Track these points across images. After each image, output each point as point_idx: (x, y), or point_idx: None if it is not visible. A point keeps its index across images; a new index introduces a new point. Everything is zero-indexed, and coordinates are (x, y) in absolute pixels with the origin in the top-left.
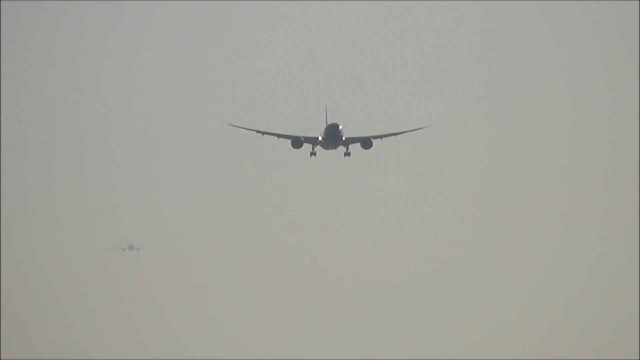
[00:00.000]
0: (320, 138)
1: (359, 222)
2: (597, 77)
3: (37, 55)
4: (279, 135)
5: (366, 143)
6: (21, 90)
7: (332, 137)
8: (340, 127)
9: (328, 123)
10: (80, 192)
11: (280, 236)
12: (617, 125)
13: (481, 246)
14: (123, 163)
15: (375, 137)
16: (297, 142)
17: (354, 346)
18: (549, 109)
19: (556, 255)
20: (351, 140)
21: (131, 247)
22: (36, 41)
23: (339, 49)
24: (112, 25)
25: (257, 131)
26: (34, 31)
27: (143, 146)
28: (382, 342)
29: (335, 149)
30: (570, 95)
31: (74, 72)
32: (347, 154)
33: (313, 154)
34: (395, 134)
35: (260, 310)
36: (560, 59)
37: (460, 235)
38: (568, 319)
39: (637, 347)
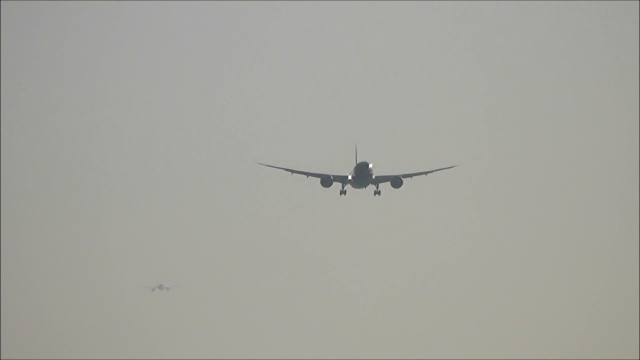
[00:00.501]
0: (350, 177)
1: (388, 262)
2: (597, 77)
3: (37, 55)
4: (308, 174)
5: (396, 182)
6: (21, 90)
7: (362, 175)
8: (370, 165)
9: (358, 162)
10: (110, 230)
11: (309, 276)
12: (617, 125)
13: (506, 283)
14: (155, 199)
15: (405, 176)
16: (326, 181)
17: None
18: (549, 109)
19: (557, 255)
20: (381, 179)
21: (161, 287)
22: (36, 41)
23: (371, 85)
24: (112, 25)
25: (287, 170)
26: (34, 31)
27: (175, 182)
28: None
29: (365, 187)
30: (570, 95)
31: (74, 72)
32: (377, 192)
33: (343, 192)
34: (426, 173)
35: (289, 353)
36: (560, 59)
37: (489, 273)
38: (568, 319)
39: (637, 347)
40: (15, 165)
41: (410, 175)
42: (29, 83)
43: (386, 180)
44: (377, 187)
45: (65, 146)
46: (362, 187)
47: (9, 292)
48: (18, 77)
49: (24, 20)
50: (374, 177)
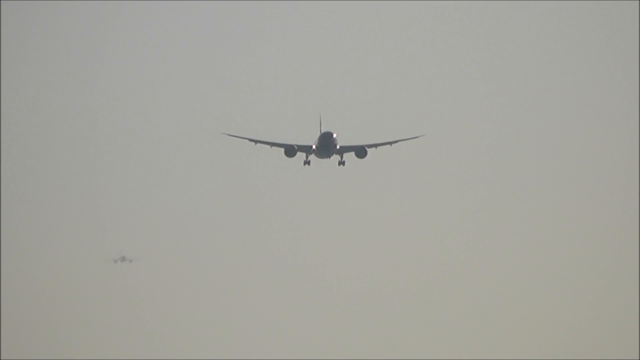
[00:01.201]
0: (314, 146)
1: (352, 233)
2: (597, 77)
3: (37, 55)
4: (272, 144)
5: (361, 152)
6: (21, 90)
7: (326, 145)
8: (335, 135)
9: (322, 131)
10: (75, 200)
11: (273, 247)
12: (617, 125)
13: (478, 252)
14: (117, 170)
15: (370, 146)
16: (290, 151)
17: (351, 348)
18: (548, 109)
19: (556, 256)
20: (346, 149)
21: (123, 259)
22: (36, 41)
23: (334, 55)
24: (112, 25)
25: (251, 140)
26: (34, 31)
27: (137, 154)
28: (378, 345)
29: (330, 157)
30: (570, 95)
31: (74, 72)
32: (341, 163)
33: (307, 162)
34: (391, 143)
35: (254, 321)
36: (560, 59)
37: (457, 244)
38: (568, 319)
39: (637, 347)
40: (16, 165)
41: (375, 146)
42: (29, 83)
43: (351, 151)
44: (342, 157)
45: (65, 146)
46: (327, 157)
47: (9, 292)
48: (18, 77)
49: (24, 20)
50: (338, 147)
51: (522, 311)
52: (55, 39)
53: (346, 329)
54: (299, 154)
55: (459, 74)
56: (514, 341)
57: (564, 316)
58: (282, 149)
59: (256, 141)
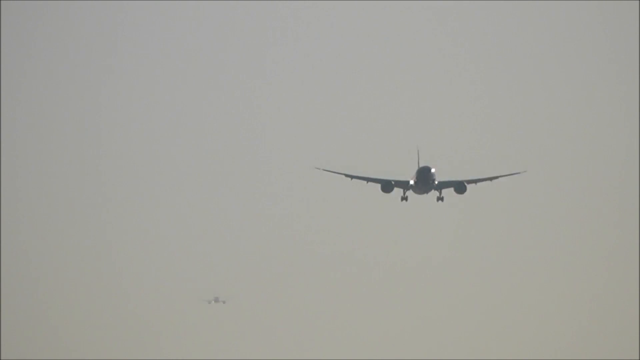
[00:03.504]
0: (411, 182)
1: (451, 271)
2: (597, 77)
3: (37, 55)
4: (368, 179)
5: (460, 187)
6: (21, 90)
7: (424, 180)
8: (433, 170)
9: (420, 166)
10: (162, 241)
11: (371, 285)
12: (617, 125)
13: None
14: (206, 209)
15: (469, 182)
16: (387, 186)
17: None
18: (548, 109)
19: (557, 256)
20: (444, 185)
21: (217, 300)
22: (36, 41)
23: (435, 90)
24: (112, 25)
25: (346, 175)
26: (34, 31)
27: (227, 192)
28: None
29: (428, 193)
30: (570, 96)
31: (74, 72)
32: (439, 198)
33: (404, 198)
34: (491, 179)
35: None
36: (560, 59)
37: (553, 284)
38: (568, 319)
39: (637, 347)
40: (16, 165)
41: (475, 181)
42: (29, 83)
43: (449, 186)
44: (440, 193)
45: (65, 146)
46: (424, 192)
47: (9, 292)
48: (18, 77)
49: (24, 20)
50: (436, 182)
51: (523, 311)
52: (55, 39)
53: None
54: (396, 189)
55: (524, 66)
56: (515, 341)
57: (564, 316)
58: (379, 185)
59: (352, 176)
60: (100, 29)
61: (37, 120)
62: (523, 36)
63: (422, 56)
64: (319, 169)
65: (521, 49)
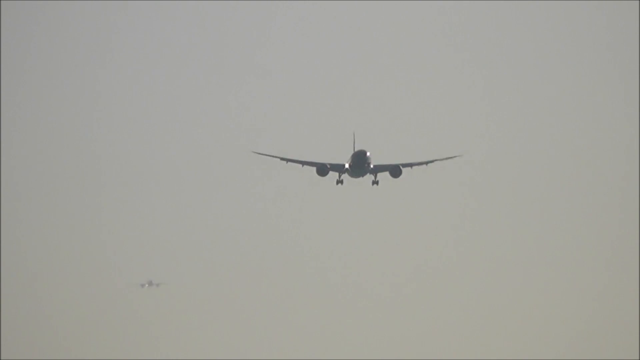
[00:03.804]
0: (347, 165)
1: (385, 256)
2: (597, 77)
3: (37, 55)
4: (303, 163)
5: (395, 171)
6: (21, 90)
7: (360, 164)
8: (368, 154)
9: (355, 150)
10: (97, 226)
11: (304, 270)
12: (617, 125)
13: (509, 279)
14: (139, 191)
15: (405, 165)
16: (322, 170)
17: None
18: (548, 108)
19: (556, 257)
20: (379, 168)
21: (150, 283)
22: (36, 41)
23: (369, 74)
24: (112, 25)
25: (282, 158)
26: (34, 31)
27: (161, 174)
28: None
29: (363, 177)
30: (570, 96)
31: (74, 72)
32: (375, 182)
33: (339, 182)
34: (427, 163)
35: (279, 347)
36: (560, 59)
37: (486, 273)
38: (568, 320)
39: (637, 347)
40: (16, 165)
41: (410, 165)
42: (29, 83)
43: (385, 170)
44: (375, 177)
45: (65, 146)
46: (360, 176)
47: (9, 292)
48: (18, 77)
49: (24, 20)
50: (371, 166)
51: (523, 311)
52: (55, 39)
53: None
54: (331, 173)
55: (498, 91)
56: (515, 341)
57: (564, 316)
58: (314, 168)
59: (287, 160)
60: (100, 29)
61: (37, 120)
62: (523, 36)
63: (362, 41)
64: (256, 152)
65: (521, 48)
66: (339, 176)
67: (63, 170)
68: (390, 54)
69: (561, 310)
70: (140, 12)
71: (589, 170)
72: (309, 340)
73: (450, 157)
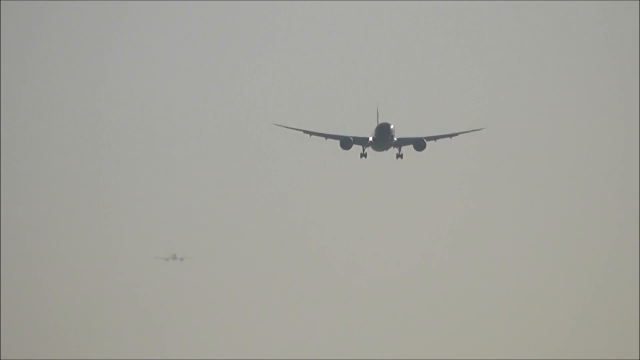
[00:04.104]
0: (370, 138)
1: (409, 228)
2: (597, 77)
3: (37, 55)
4: (327, 136)
5: (419, 144)
6: (21, 90)
7: (383, 137)
8: (392, 127)
9: (379, 123)
10: (120, 200)
11: (328, 241)
12: (617, 125)
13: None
14: (164, 167)
15: (429, 139)
16: (346, 143)
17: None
18: (547, 109)
19: (557, 256)
20: (403, 142)
21: (174, 257)
22: (36, 41)
23: (392, 44)
24: (112, 25)
25: (305, 131)
26: (34, 31)
27: (184, 149)
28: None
29: (387, 150)
30: (570, 96)
31: (74, 72)
32: (399, 155)
33: (363, 155)
34: (451, 136)
35: (307, 321)
36: (561, 59)
37: (515, 241)
38: (568, 320)
39: (637, 347)
40: (16, 165)
41: (434, 138)
42: (29, 83)
43: (409, 143)
44: (399, 150)
45: (65, 146)
46: (384, 149)
47: (9, 292)
48: (18, 77)
49: (24, 20)
50: (395, 139)
51: (524, 311)
52: (55, 39)
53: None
54: (354, 146)
55: (525, 66)
56: (515, 341)
57: (564, 316)
58: (338, 141)
59: (310, 133)
60: (100, 29)
61: (37, 120)
62: (522, 36)
63: (387, 16)
64: (278, 125)
65: (520, 48)
66: (363, 149)
67: (78, 152)
68: (414, 26)
69: (562, 310)
70: (140, 12)
71: (588, 171)
72: (327, 319)
73: (474, 130)
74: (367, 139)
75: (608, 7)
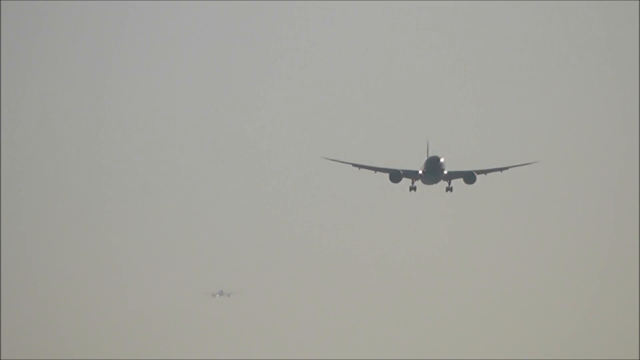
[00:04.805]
0: (420, 172)
1: (460, 262)
2: (597, 77)
3: (37, 55)
4: (376, 169)
5: (469, 178)
6: (21, 90)
7: (433, 170)
8: (442, 160)
9: (429, 156)
10: (170, 237)
11: (379, 275)
12: (617, 125)
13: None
14: (212, 202)
15: (479, 172)
16: (395, 176)
17: None
18: (547, 108)
19: (557, 257)
20: (453, 175)
21: (221, 293)
22: (36, 41)
23: (444, 80)
24: (112, 25)
25: (354, 165)
26: (34, 31)
27: (233, 182)
28: None
29: (437, 183)
30: (570, 95)
31: (74, 72)
32: (449, 189)
33: (413, 188)
34: (502, 169)
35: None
36: (561, 59)
37: (566, 279)
38: (569, 320)
39: (637, 347)
40: (16, 165)
41: (485, 172)
42: (29, 83)
43: (459, 176)
44: (449, 183)
45: (65, 146)
46: (433, 182)
47: (9, 292)
48: (18, 77)
49: (24, 20)
50: (445, 172)
51: (524, 311)
52: (55, 39)
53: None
54: (404, 179)
55: (576, 98)
56: (515, 341)
57: (565, 316)
58: (387, 174)
59: (360, 166)
60: (100, 29)
61: (37, 120)
62: (522, 36)
63: (431, 49)
64: (326, 158)
65: (520, 48)
66: (412, 182)
67: (67, 171)
68: (465, 58)
69: (562, 310)
70: (140, 12)
71: (589, 170)
72: (385, 344)
73: (526, 164)
74: (417, 172)
75: (608, 7)
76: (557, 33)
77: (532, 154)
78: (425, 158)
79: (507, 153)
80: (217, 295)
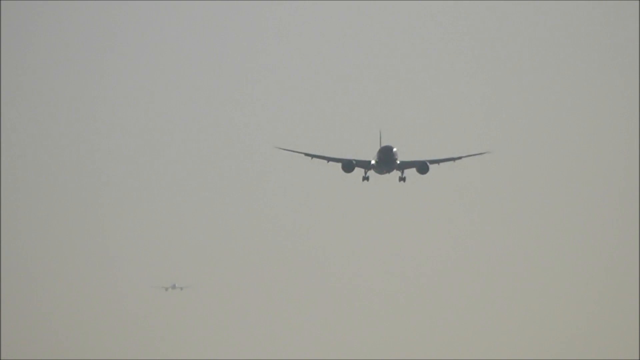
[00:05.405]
0: (373, 162)
1: (411, 251)
2: (597, 77)
3: (37, 55)
4: (328, 159)
5: (422, 168)
6: (21, 90)
7: (386, 160)
8: (395, 149)
9: (382, 146)
10: (120, 228)
11: (328, 265)
12: (617, 125)
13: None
14: (167, 189)
15: (432, 162)
16: (348, 166)
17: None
18: (547, 109)
19: (557, 257)
20: (406, 165)
21: (174, 287)
22: (36, 41)
23: (396, 69)
24: (112, 25)
25: (306, 154)
26: (34, 31)
27: (184, 173)
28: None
29: (390, 173)
30: (570, 95)
31: (74, 72)
32: (402, 179)
33: (365, 178)
34: (454, 159)
35: (309, 347)
36: (560, 58)
37: (509, 271)
38: (569, 320)
39: (637, 347)
40: (16, 165)
41: (438, 161)
42: (29, 83)
43: (412, 166)
44: (402, 173)
45: (65, 146)
46: (386, 172)
47: (9, 292)
48: (18, 77)
49: (24, 20)
50: (398, 162)
51: (524, 311)
52: (55, 39)
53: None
54: (357, 169)
55: (528, 87)
56: (515, 341)
57: (565, 316)
58: (340, 164)
59: (312, 155)
60: (100, 29)
61: (37, 120)
62: (522, 36)
63: (386, 38)
64: (279, 148)
65: (520, 48)
66: (365, 172)
67: (74, 172)
68: (418, 49)
69: (562, 310)
70: (140, 12)
71: (588, 171)
72: (329, 337)
73: (478, 154)
74: (370, 162)
75: (608, 7)
76: (557, 33)
77: (486, 144)
78: (378, 148)
79: (461, 143)
80: (170, 288)
